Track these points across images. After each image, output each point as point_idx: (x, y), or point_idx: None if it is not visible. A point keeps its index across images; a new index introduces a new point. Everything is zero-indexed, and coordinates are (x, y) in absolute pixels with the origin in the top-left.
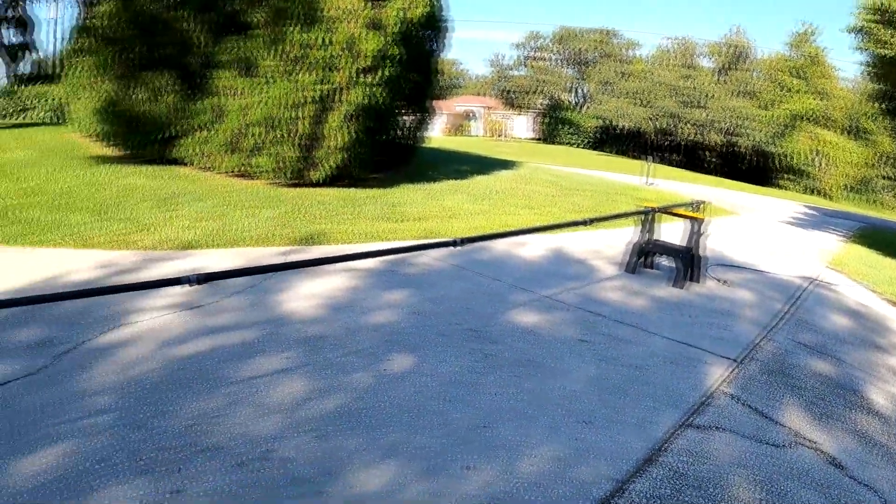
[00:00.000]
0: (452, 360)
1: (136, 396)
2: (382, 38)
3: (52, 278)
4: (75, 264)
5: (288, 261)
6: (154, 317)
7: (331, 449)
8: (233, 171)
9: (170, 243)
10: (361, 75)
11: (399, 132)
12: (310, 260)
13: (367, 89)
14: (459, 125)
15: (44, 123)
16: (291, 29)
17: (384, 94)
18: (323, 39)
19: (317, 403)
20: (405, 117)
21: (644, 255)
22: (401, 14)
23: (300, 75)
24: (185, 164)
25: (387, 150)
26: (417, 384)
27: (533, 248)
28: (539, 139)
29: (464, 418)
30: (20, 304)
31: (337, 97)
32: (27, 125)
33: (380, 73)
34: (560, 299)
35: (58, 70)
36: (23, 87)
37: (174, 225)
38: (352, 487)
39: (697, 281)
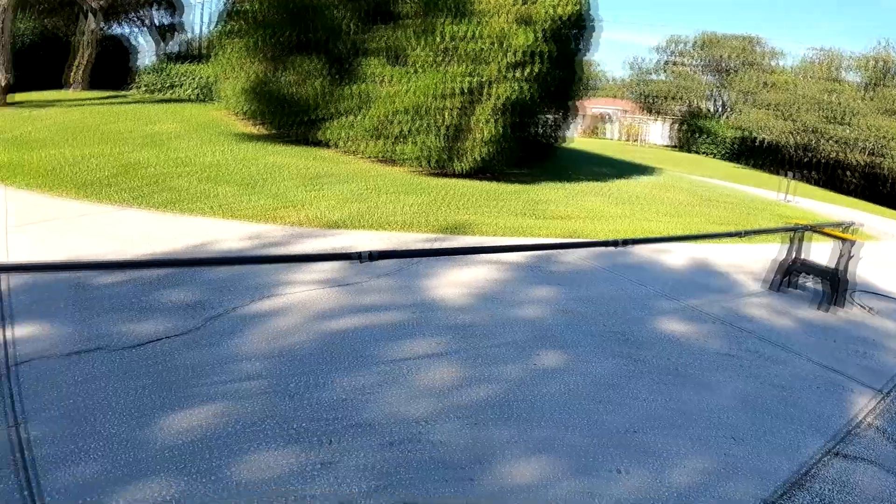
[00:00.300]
0: (601, 362)
1: (288, 366)
2: (532, 34)
3: (201, 245)
4: (223, 234)
5: (435, 248)
6: (303, 290)
7: (482, 437)
8: (376, 157)
9: (316, 221)
10: (510, 70)
11: (540, 129)
12: (474, 248)
13: (516, 84)
14: (594, 127)
15: (189, 100)
16: (442, 21)
17: (532, 91)
18: (473, 32)
19: (468, 391)
20: (547, 115)
21: (788, 274)
22: (551, 11)
23: (449, 66)
24: (329, 147)
25: (527, 146)
26: (568, 382)
27: (675, 257)
28: (674, 146)
29: (614, 421)
30: (194, 265)
31: (485, 90)
32: (174, 100)
33: (528, 68)
34: (705, 311)
35: (203, 50)
36: (171, 64)
37: (320, 204)
38: (502, 478)
39: (842, 305)
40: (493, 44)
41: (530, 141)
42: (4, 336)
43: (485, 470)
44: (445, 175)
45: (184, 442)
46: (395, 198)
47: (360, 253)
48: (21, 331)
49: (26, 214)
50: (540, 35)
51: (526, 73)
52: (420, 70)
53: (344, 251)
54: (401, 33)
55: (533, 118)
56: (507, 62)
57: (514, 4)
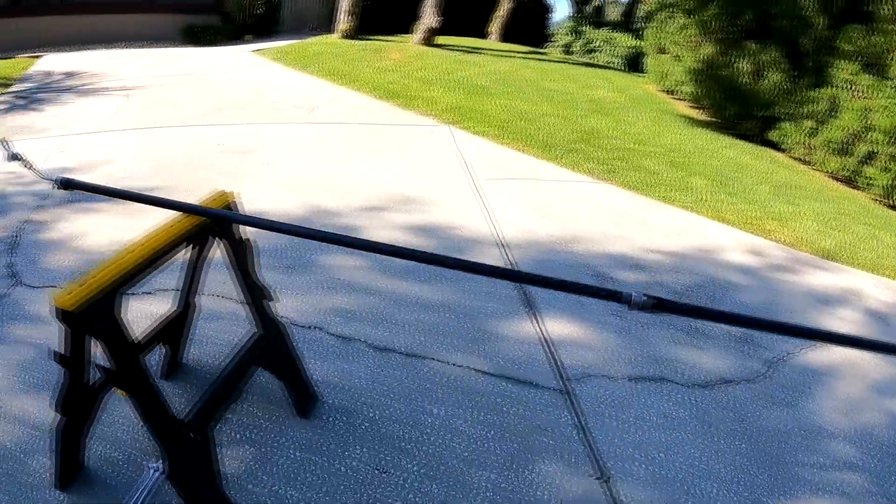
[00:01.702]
0: None
1: (877, 459)
2: None
3: (705, 249)
4: (719, 238)
5: None
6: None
7: None
8: (832, 173)
9: (807, 245)
10: None
11: None
12: None
13: None
14: None
15: (608, 66)
16: None
17: None
18: None
19: None
20: None
21: None
22: None
23: None
24: (779, 150)
25: None
26: None
27: None
28: None
29: None
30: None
31: None
32: (592, 65)
33: None
34: None
35: (616, 18)
36: (589, 28)
37: (802, 224)
38: None
39: None
40: None
41: None
42: (542, 332)
43: None
44: None
45: None
46: (871, 231)
47: None
48: (557, 327)
49: (494, 166)
50: None
51: None
52: None
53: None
54: (878, 39)
55: None
56: None
57: None
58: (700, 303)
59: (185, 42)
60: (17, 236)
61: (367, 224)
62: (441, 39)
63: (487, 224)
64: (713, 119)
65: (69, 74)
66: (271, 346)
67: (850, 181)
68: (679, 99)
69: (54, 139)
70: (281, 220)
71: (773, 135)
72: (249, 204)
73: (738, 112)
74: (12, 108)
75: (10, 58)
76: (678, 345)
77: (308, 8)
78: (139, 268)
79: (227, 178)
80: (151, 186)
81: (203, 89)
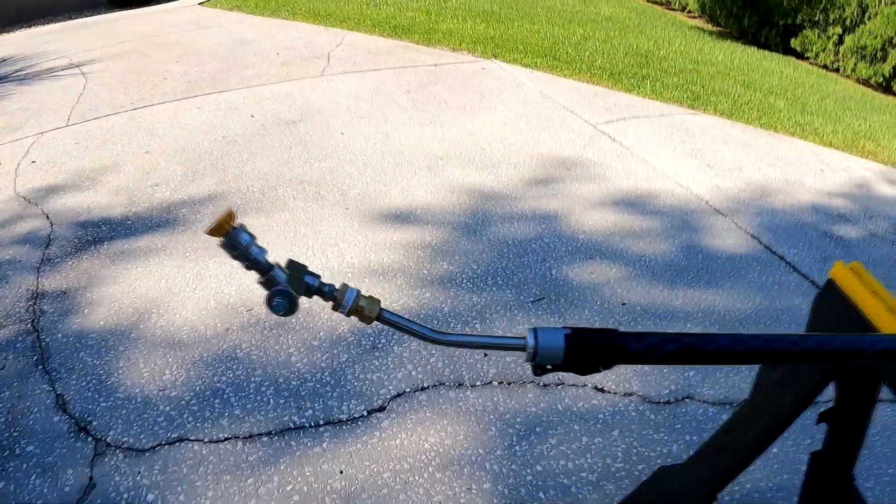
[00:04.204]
0: None
1: None
2: None
3: (860, 185)
4: (855, 171)
5: None
6: None
7: None
8: (863, 79)
9: None
10: None
11: None
12: None
13: None
14: None
15: None
16: None
17: None
18: None
19: None
20: None
21: None
22: None
23: None
24: (802, 58)
25: None
26: None
27: None
28: None
29: None
30: None
31: None
32: None
33: None
34: None
35: None
36: None
37: (892, 142)
38: None
39: None
40: None
41: None
42: None
43: None
44: None
45: None
46: None
47: None
48: None
49: (592, 106)
50: None
51: None
52: None
53: None
54: None
55: None
56: None
57: None
58: None
59: (113, 6)
60: (37, 335)
61: (559, 206)
62: None
63: (674, 185)
64: (725, 30)
65: None
66: None
67: (885, 88)
68: (674, 9)
69: (13, 146)
70: (440, 215)
71: (795, 43)
72: (381, 200)
73: (758, 21)
74: None
75: None
76: None
77: None
78: None
79: (303, 163)
80: (203, 196)
81: (174, 53)
